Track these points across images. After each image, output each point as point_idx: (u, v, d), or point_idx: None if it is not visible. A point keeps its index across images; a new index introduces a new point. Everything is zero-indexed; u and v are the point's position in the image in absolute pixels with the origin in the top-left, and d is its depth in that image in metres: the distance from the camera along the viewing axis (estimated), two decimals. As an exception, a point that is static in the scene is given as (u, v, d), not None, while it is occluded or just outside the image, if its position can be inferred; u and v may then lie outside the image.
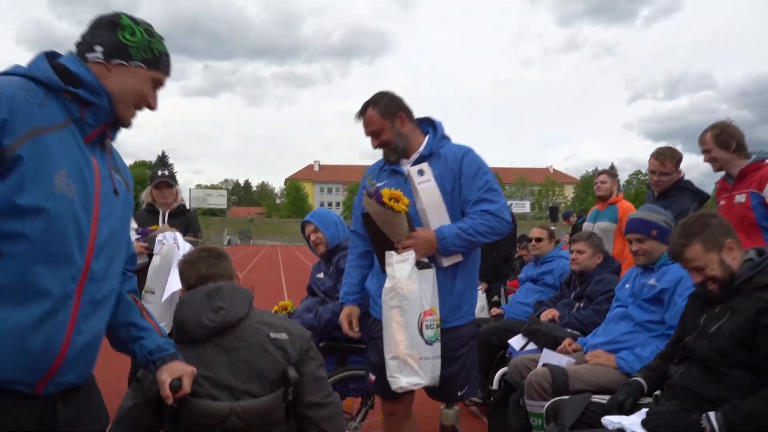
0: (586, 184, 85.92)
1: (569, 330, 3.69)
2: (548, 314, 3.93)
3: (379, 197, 2.51)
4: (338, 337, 3.26)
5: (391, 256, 2.57)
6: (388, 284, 2.56)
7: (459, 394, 2.80)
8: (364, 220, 2.78)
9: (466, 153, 2.76)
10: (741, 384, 2.20)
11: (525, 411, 3.08)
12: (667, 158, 4.19)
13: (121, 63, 1.60)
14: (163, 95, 1.76)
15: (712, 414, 2.10)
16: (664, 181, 4.24)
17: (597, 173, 5.64)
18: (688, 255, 2.40)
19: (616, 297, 3.38)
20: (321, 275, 3.73)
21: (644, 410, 2.33)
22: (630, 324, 3.13)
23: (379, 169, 2.93)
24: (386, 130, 2.73)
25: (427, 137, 2.84)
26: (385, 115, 2.72)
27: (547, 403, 2.83)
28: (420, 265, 2.59)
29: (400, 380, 2.52)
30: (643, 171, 76.41)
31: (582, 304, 3.93)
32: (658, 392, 2.56)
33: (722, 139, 3.61)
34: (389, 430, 2.88)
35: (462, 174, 2.71)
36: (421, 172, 2.72)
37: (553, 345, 3.48)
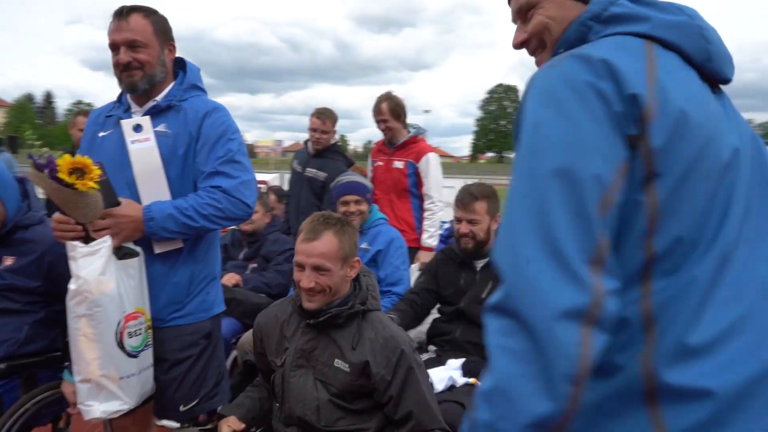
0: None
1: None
2: (231, 279, 3.46)
3: (53, 171, 1.77)
4: (15, 354, 2.35)
5: (74, 248, 1.88)
6: (72, 286, 1.88)
7: (182, 408, 2.21)
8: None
9: (212, 111, 2.16)
10: None
11: None
12: (328, 117, 4.38)
13: None
14: None
15: None
16: (323, 140, 4.31)
17: None
18: (475, 207, 2.74)
19: None
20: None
21: (451, 361, 2.51)
22: None
23: (105, 114, 2.20)
24: (151, 49, 2.08)
25: (172, 84, 2.18)
26: (157, 30, 2.10)
27: None
28: (121, 252, 1.95)
29: (94, 409, 1.93)
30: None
31: (255, 265, 3.69)
32: (434, 347, 2.78)
33: (396, 111, 4.09)
34: None
35: (200, 136, 2.11)
36: (138, 128, 2.05)
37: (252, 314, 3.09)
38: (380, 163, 4.21)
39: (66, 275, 1.87)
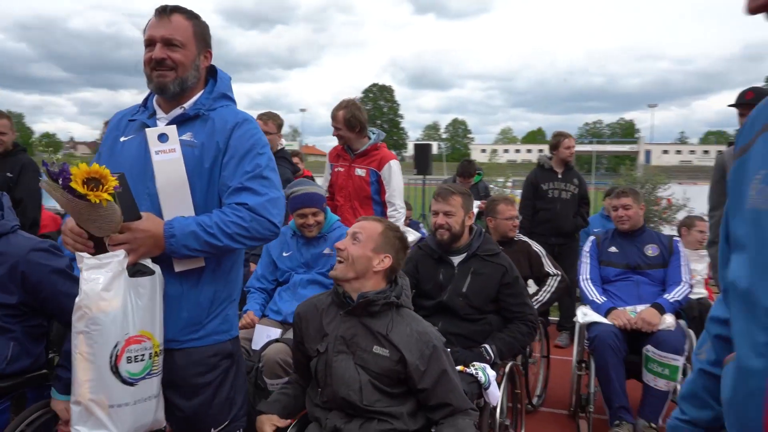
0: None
1: None
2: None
3: (66, 181, 1.65)
4: (3, 373, 2.23)
5: (81, 260, 1.77)
6: (77, 299, 1.77)
7: (214, 431, 2.08)
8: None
9: (242, 123, 2.03)
10: (493, 324, 2.97)
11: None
12: (270, 118, 4.41)
13: None
14: None
15: (487, 346, 2.84)
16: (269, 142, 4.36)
17: None
18: (452, 200, 3.03)
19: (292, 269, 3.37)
20: None
21: None
22: (321, 287, 3.20)
23: (128, 118, 2.10)
24: (188, 51, 1.98)
25: (201, 92, 2.06)
26: (197, 34, 2.01)
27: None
28: (134, 269, 1.83)
29: None
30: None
31: None
32: None
33: (350, 123, 4.03)
34: None
35: (228, 149, 1.98)
36: (163, 138, 1.93)
37: None
38: (341, 169, 4.15)
39: (47, 286, 1.77)
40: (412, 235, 5.68)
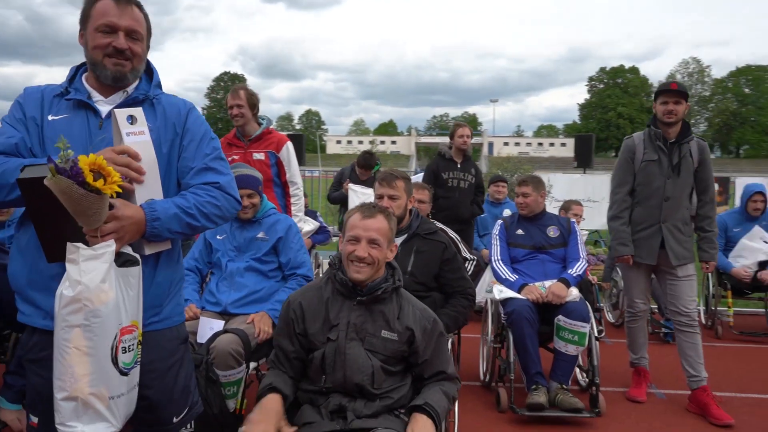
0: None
1: None
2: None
3: (77, 174, 1.55)
4: None
5: (77, 251, 1.66)
6: (67, 292, 1.66)
7: (176, 420, 2.05)
8: (24, 187, 1.72)
9: (192, 108, 2.12)
10: (437, 301, 3.17)
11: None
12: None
13: None
14: None
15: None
16: None
17: None
18: (397, 184, 3.23)
19: (223, 252, 3.37)
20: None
21: None
22: (258, 275, 3.26)
23: (55, 94, 1.98)
24: (143, 44, 2.01)
25: (138, 80, 2.06)
26: (148, 28, 2.05)
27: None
28: (121, 259, 1.75)
29: (77, 430, 1.69)
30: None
31: None
32: None
33: (252, 102, 4.15)
34: None
35: (186, 133, 2.05)
36: (131, 119, 1.86)
37: None
38: (235, 157, 4.18)
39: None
40: (310, 225, 5.74)
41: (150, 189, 1.88)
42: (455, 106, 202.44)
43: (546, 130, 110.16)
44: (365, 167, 6.19)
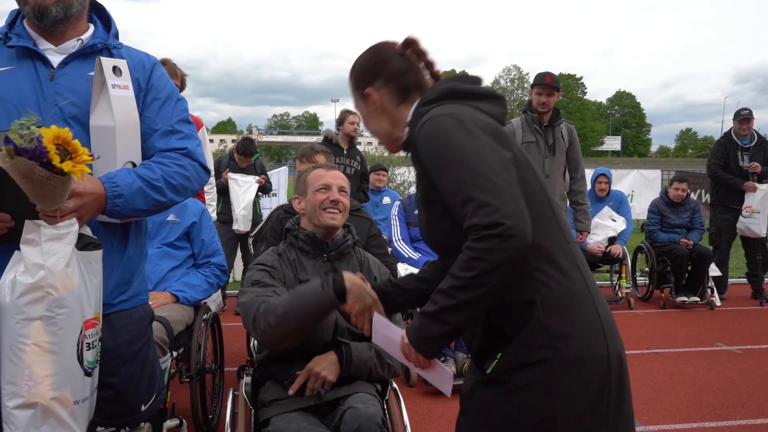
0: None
1: None
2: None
3: (41, 153, 1.33)
4: None
5: (38, 229, 1.45)
6: (24, 278, 1.44)
7: (144, 408, 1.85)
8: None
9: (157, 64, 1.87)
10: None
11: None
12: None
13: None
14: None
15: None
16: None
17: None
18: (316, 159, 3.27)
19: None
20: None
21: None
22: (173, 260, 3.14)
23: None
24: None
25: (92, 27, 1.80)
26: None
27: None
28: (82, 242, 1.55)
29: None
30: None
31: None
32: None
33: (183, 81, 3.99)
34: None
35: (150, 89, 1.80)
36: (118, 71, 1.67)
37: None
38: None
39: None
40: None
41: (131, 148, 1.70)
42: (296, 105, 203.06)
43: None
44: (245, 154, 5.94)
